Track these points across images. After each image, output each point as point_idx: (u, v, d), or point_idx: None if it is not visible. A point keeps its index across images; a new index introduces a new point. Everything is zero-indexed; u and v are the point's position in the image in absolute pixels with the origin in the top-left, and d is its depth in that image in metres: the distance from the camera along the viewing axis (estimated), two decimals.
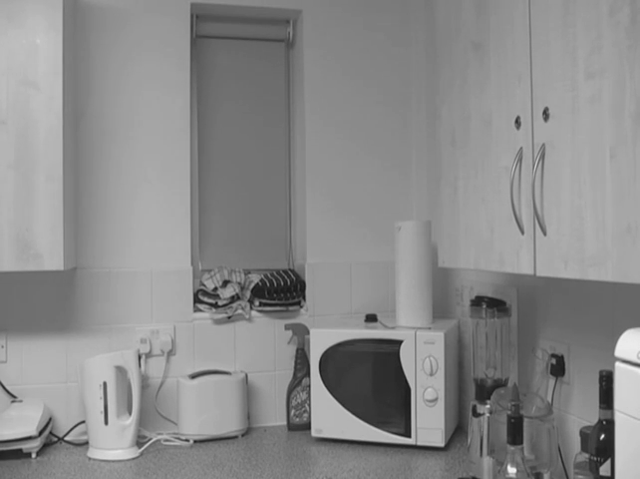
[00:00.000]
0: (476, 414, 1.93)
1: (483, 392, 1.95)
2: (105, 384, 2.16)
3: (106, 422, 2.16)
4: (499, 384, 1.95)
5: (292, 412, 2.46)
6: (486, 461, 1.85)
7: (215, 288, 2.50)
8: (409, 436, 2.16)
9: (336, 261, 2.61)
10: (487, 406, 1.89)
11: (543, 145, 1.39)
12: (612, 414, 1.12)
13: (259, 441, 2.33)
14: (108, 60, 2.42)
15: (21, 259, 2.05)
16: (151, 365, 2.42)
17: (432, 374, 2.13)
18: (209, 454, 2.19)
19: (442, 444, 2.13)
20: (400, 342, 2.16)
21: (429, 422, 2.13)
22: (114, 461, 2.12)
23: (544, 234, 1.39)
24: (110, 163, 2.42)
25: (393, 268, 2.40)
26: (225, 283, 2.51)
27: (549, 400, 1.84)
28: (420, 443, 2.15)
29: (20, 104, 2.06)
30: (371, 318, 2.41)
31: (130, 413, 2.22)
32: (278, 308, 2.52)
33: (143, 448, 2.22)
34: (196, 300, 2.51)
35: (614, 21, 1.19)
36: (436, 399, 2.13)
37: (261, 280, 2.53)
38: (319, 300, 2.58)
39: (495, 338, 1.99)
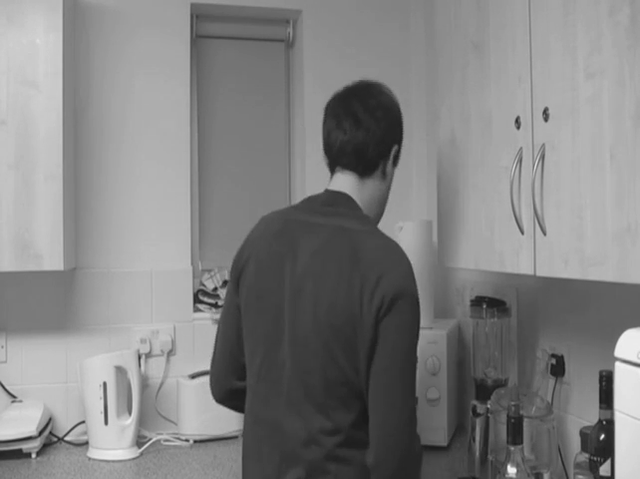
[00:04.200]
0: (476, 414, 1.93)
1: (483, 392, 1.95)
2: (105, 384, 2.16)
3: (106, 422, 2.16)
4: (499, 384, 1.95)
5: None
6: (487, 461, 1.85)
7: (215, 288, 2.50)
8: None
9: None
10: (488, 406, 1.88)
11: (543, 145, 1.39)
12: (612, 414, 1.11)
13: None
14: (107, 60, 2.42)
15: (21, 259, 2.05)
16: (150, 365, 2.42)
17: (434, 374, 2.12)
18: (209, 454, 2.19)
19: (444, 443, 2.13)
20: None
21: (431, 421, 2.13)
22: (114, 461, 2.12)
23: (544, 233, 1.39)
24: (110, 163, 2.42)
25: None
26: (225, 283, 2.51)
27: (549, 400, 1.84)
28: (422, 442, 2.14)
29: (20, 104, 2.05)
30: None
31: (130, 413, 2.22)
32: None
33: (143, 448, 2.22)
34: (196, 300, 2.51)
35: (614, 21, 1.19)
36: (438, 399, 2.12)
37: None
38: None
39: (495, 338, 1.99)
